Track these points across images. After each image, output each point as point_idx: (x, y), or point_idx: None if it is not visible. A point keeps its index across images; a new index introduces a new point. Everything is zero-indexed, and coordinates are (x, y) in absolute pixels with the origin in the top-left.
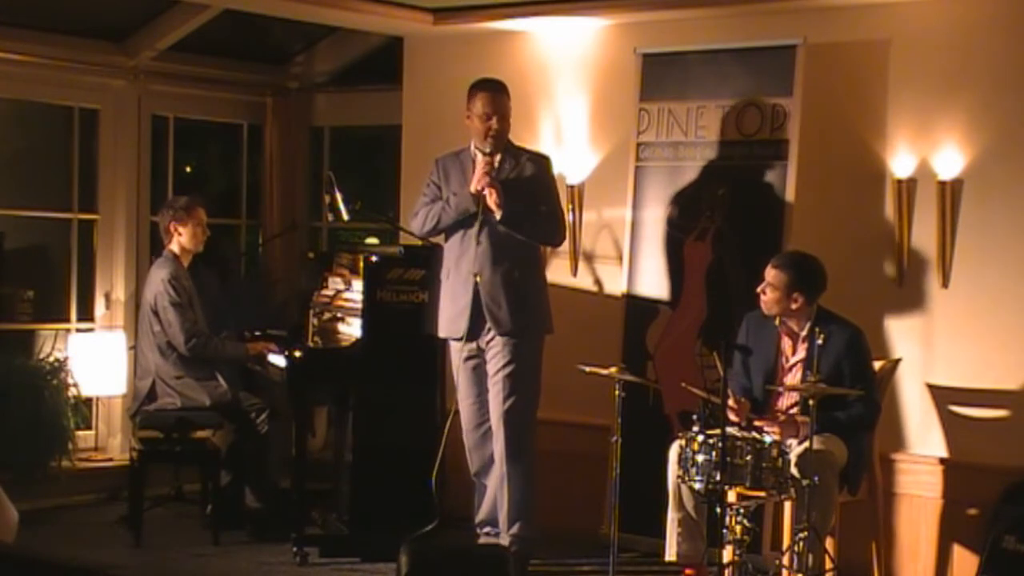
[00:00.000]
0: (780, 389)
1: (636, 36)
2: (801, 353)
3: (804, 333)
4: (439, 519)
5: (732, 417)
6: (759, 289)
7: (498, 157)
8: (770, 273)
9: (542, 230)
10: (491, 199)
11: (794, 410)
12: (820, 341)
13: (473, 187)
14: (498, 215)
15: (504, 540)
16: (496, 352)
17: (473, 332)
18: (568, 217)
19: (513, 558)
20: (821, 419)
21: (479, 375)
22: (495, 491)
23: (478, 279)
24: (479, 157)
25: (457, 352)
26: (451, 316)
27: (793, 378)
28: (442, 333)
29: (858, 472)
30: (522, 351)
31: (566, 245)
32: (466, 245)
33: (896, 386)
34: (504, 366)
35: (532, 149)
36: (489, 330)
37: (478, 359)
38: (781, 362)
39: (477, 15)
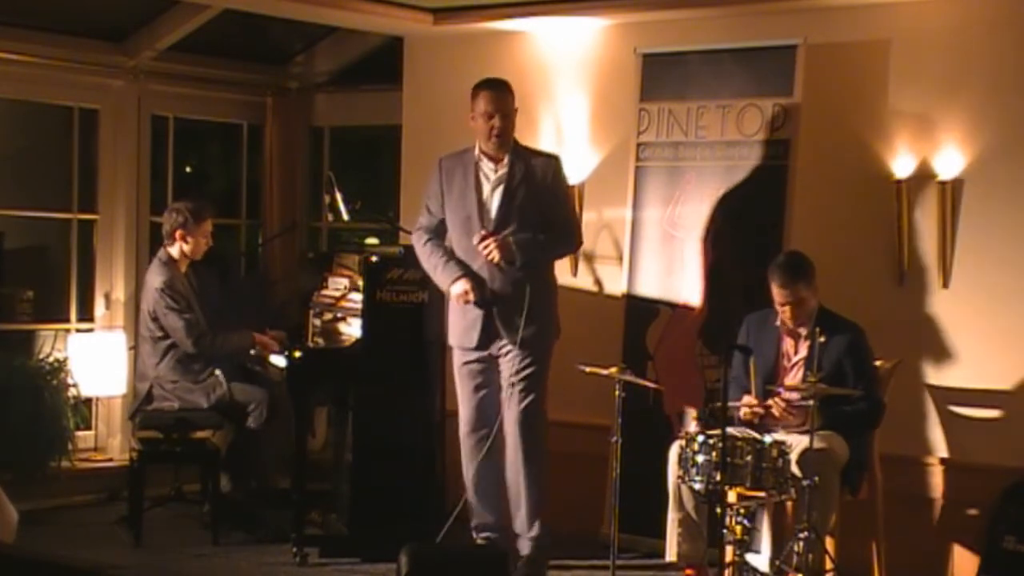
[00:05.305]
0: (780, 389)
1: (636, 36)
2: (803, 352)
3: (806, 332)
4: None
5: (748, 415)
6: (780, 312)
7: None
8: (783, 293)
9: (560, 247)
10: (498, 258)
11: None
12: (822, 340)
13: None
14: (519, 263)
15: (524, 543)
16: (509, 360)
17: (484, 342)
18: None
19: (534, 559)
20: (826, 415)
21: (481, 380)
22: (492, 496)
23: (488, 292)
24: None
25: (460, 356)
26: (463, 327)
27: (795, 377)
28: (453, 342)
29: (859, 472)
30: (534, 358)
31: None
32: (473, 256)
33: (896, 386)
34: (517, 372)
35: (540, 150)
36: (501, 339)
37: (481, 364)
38: (782, 362)
39: (477, 15)
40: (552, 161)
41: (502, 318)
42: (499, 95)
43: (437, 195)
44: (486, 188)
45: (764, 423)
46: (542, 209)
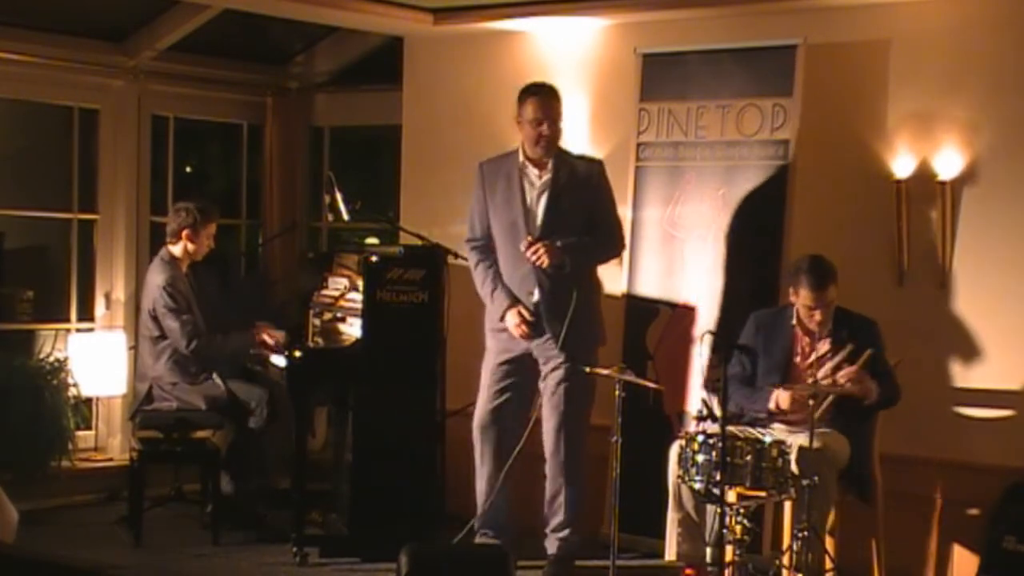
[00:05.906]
0: (782, 388)
1: (636, 36)
2: (822, 349)
3: (825, 330)
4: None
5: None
6: (812, 316)
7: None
8: (813, 297)
9: (606, 251)
10: (547, 263)
11: (810, 403)
12: (843, 335)
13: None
14: (567, 268)
15: (552, 542)
16: (554, 364)
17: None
18: None
19: (561, 558)
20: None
21: (508, 383)
22: (502, 497)
23: (534, 297)
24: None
25: (496, 355)
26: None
27: (814, 374)
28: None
29: (867, 475)
30: (579, 364)
31: None
32: (519, 261)
33: None
34: (563, 380)
35: (583, 154)
36: (544, 337)
37: (516, 365)
38: (795, 360)
39: (477, 15)
40: (595, 165)
41: (549, 322)
42: (547, 101)
43: (480, 200)
44: (531, 194)
45: (787, 417)
46: (587, 213)
